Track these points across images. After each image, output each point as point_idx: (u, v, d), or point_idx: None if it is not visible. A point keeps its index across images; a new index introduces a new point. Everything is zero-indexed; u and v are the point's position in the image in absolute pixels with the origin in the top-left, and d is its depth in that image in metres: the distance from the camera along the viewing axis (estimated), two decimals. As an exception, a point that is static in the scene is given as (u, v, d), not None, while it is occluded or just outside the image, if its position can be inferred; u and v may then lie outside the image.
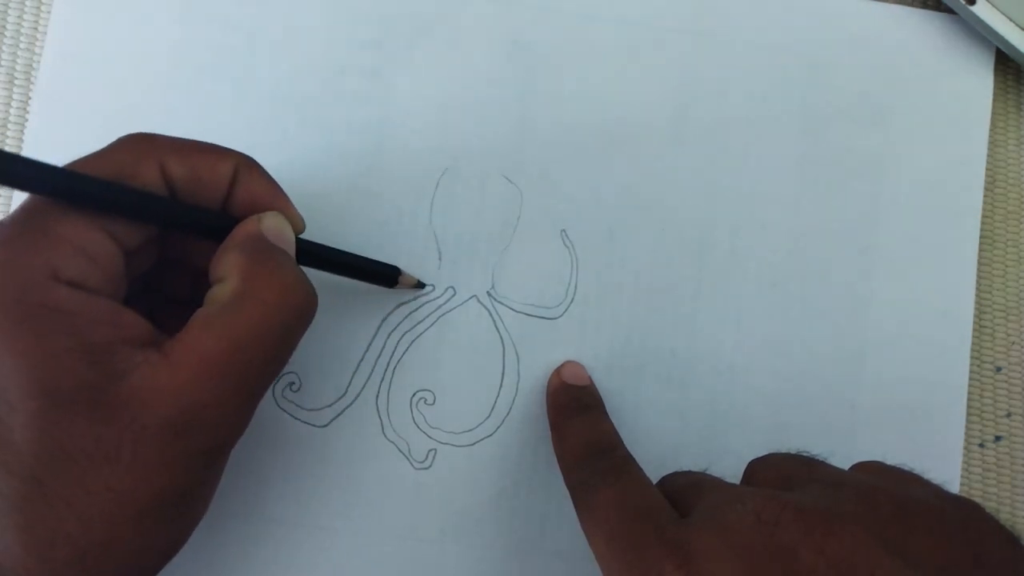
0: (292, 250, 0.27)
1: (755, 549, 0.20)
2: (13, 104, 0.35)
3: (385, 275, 0.32)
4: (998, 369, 0.37)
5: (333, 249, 0.30)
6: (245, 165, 0.27)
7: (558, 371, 0.34)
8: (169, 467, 0.23)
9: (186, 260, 0.29)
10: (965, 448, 0.36)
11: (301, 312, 0.25)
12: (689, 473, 0.27)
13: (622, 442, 0.30)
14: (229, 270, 0.25)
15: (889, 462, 0.25)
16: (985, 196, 0.37)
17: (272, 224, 0.26)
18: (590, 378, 0.34)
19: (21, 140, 0.35)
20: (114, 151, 0.25)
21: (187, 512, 0.25)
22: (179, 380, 0.22)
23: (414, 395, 0.34)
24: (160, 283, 0.29)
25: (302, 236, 0.28)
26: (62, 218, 0.23)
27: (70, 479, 0.21)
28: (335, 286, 0.34)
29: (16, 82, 0.35)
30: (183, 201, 0.26)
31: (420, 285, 0.34)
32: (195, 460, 0.23)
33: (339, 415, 0.34)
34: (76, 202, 0.23)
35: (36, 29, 0.36)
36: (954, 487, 0.35)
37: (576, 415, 0.32)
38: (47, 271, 0.22)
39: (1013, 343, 0.37)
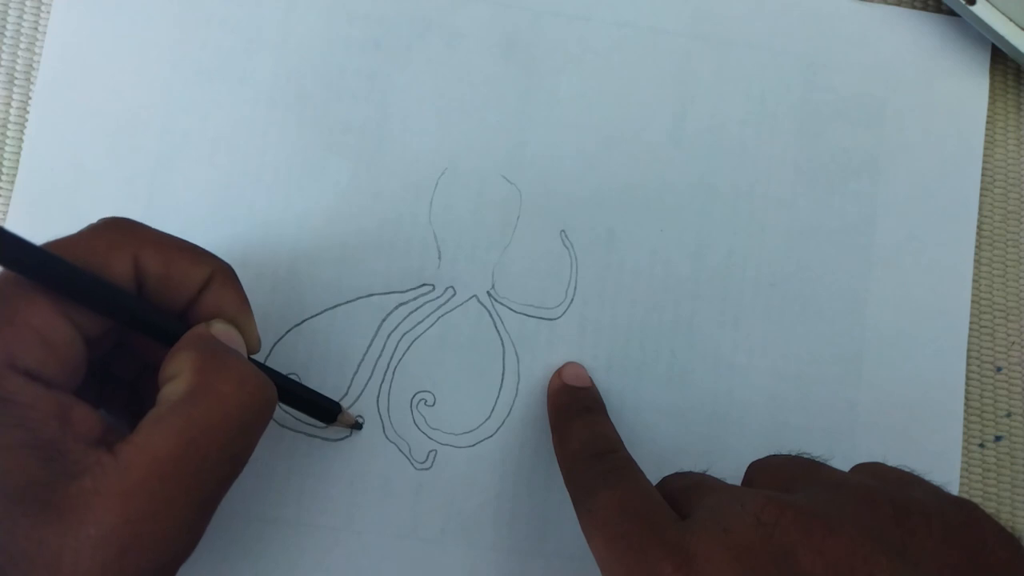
0: (244, 351, 0.26)
1: (755, 551, 0.20)
2: (13, 104, 0.35)
3: (326, 410, 0.31)
4: (998, 369, 0.37)
5: (280, 374, 0.29)
6: (221, 274, 0.26)
7: (559, 372, 0.34)
8: None
9: (139, 349, 0.27)
10: (965, 448, 0.36)
11: (259, 406, 0.24)
12: (689, 474, 0.27)
13: (623, 444, 0.30)
14: (181, 367, 0.23)
15: (888, 462, 0.25)
16: (984, 196, 0.37)
17: (223, 329, 0.25)
18: (591, 379, 0.34)
19: (21, 140, 0.35)
20: (91, 234, 0.24)
21: None
22: (127, 484, 0.21)
23: (414, 396, 0.34)
24: (112, 366, 0.28)
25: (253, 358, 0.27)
26: (27, 301, 0.22)
27: None
28: (335, 286, 0.34)
29: (16, 82, 0.35)
30: (149, 300, 0.25)
31: (358, 426, 0.34)
32: None
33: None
34: (45, 285, 0.22)
35: (36, 29, 0.36)
36: (954, 487, 0.35)
37: (577, 417, 0.31)
38: (4, 358, 0.21)
39: (1013, 343, 0.37)
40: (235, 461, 0.24)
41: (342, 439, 0.34)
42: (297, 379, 0.33)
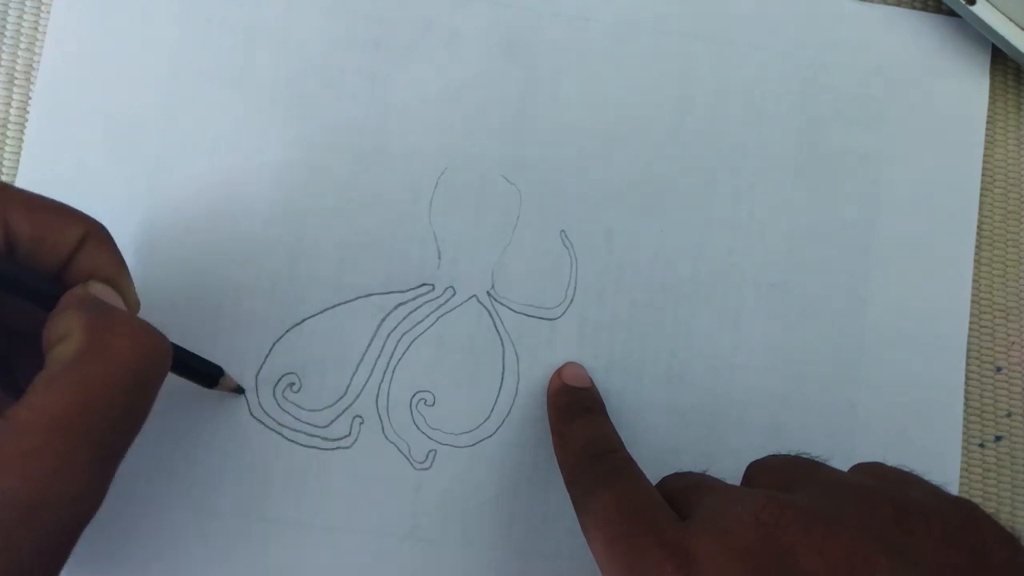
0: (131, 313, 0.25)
1: (755, 551, 0.20)
2: (13, 104, 0.35)
3: (207, 375, 0.31)
4: (998, 369, 0.37)
5: None
6: (95, 234, 0.25)
7: (559, 372, 0.34)
8: (13, 548, 0.20)
9: (5, 320, 0.27)
10: (965, 448, 0.36)
11: (155, 358, 0.23)
12: (689, 474, 0.27)
13: (623, 444, 0.30)
14: (69, 327, 0.22)
15: (888, 462, 0.25)
16: (984, 196, 0.37)
17: (101, 290, 0.25)
18: (591, 380, 0.34)
19: (21, 140, 0.35)
20: None
21: None
22: (26, 445, 0.20)
23: (414, 396, 0.34)
24: None
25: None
26: None
27: None
28: (335, 286, 0.34)
29: (16, 82, 0.35)
30: (18, 261, 0.24)
31: (240, 390, 0.33)
32: (42, 540, 0.21)
33: (339, 416, 0.34)
34: None
35: (36, 29, 0.36)
36: (953, 487, 0.35)
37: (577, 417, 0.31)
38: None
39: (1013, 343, 0.37)
40: (134, 416, 0.23)
41: (342, 440, 0.34)
42: (297, 380, 0.32)
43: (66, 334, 0.22)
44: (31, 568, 0.21)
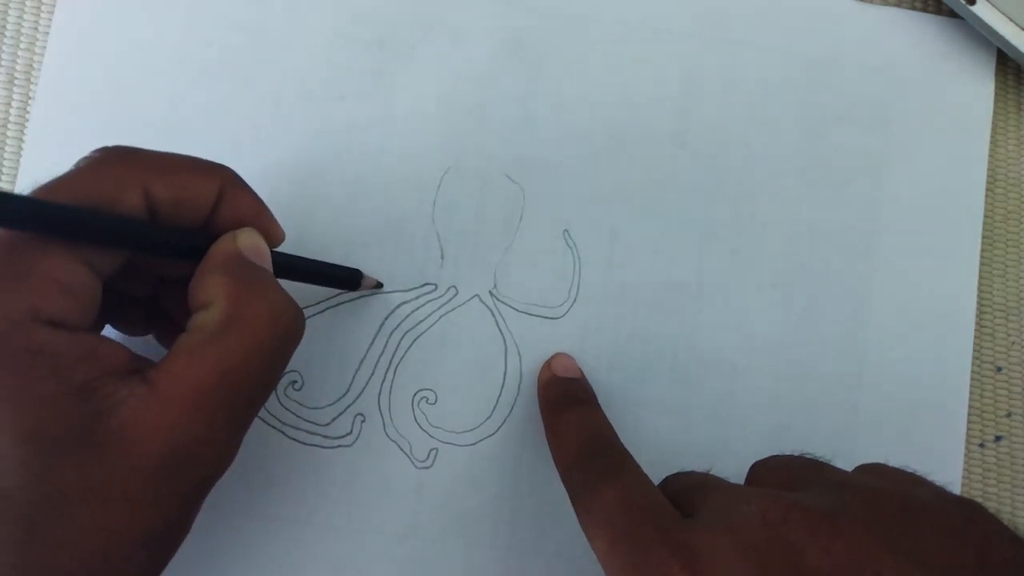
0: (270, 266, 0.27)
1: (761, 549, 0.20)
2: (13, 104, 0.35)
3: (348, 279, 0.33)
4: (998, 369, 0.37)
5: (300, 258, 0.30)
6: (230, 182, 0.26)
7: (548, 364, 0.34)
8: (161, 504, 0.22)
9: (152, 267, 0.28)
10: (965, 448, 0.36)
11: (291, 335, 0.25)
12: (692, 474, 0.27)
13: (617, 436, 0.29)
14: (214, 294, 0.24)
15: (891, 463, 0.25)
16: (985, 196, 0.37)
17: (249, 242, 0.26)
18: (581, 370, 0.34)
19: (21, 140, 0.35)
20: (94, 172, 0.24)
21: (176, 539, 0.24)
22: (171, 416, 0.22)
23: (416, 394, 0.34)
24: (126, 287, 0.28)
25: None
26: (42, 254, 0.22)
27: (63, 520, 0.21)
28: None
29: (16, 82, 0.35)
30: (165, 225, 0.25)
31: (379, 285, 0.34)
32: (187, 495, 0.23)
33: (341, 414, 0.34)
34: (57, 235, 0.22)
35: (36, 29, 0.35)
36: (955, 488, 0.35)
37: (568, 408, 0.31)
38: (28, 312, 0.21)
39: (1013, 343, 0.37)
40: (267, 386, 0.25)
41: (343, 438, 0.34)
42: (299, 377, 0.32)
43: (210, 301, 0.24)
44: (178, 516, 0.23)
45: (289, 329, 0.25)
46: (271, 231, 0.27)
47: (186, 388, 0.22)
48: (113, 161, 0.24)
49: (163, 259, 0.26)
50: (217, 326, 0.23)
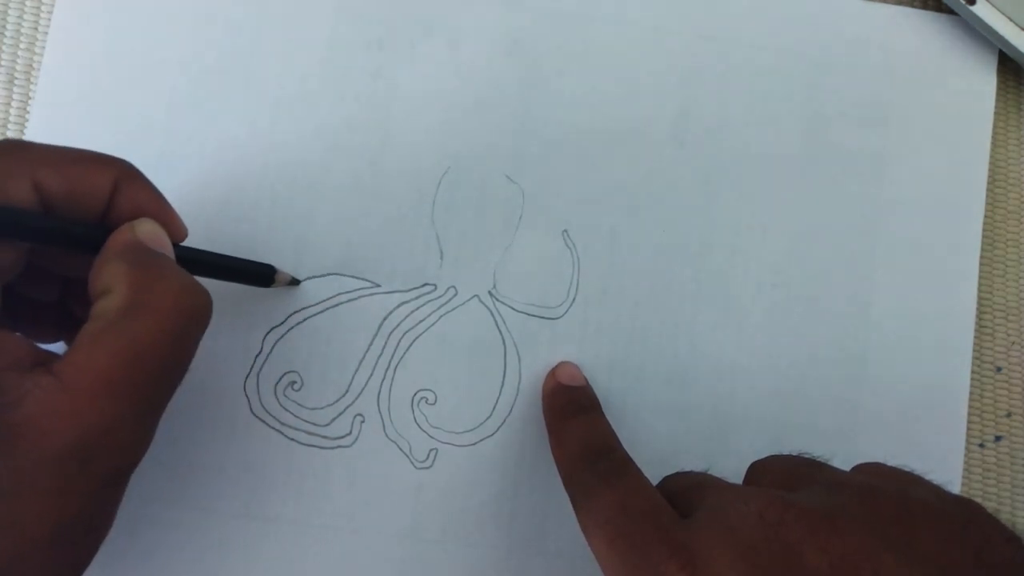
0: (171, 254, 0.26)
1: (759, 549, 0.20)
2: (13, 104, 0.35)
3: (261, 275, 0.32)
4: (998, 369, 0.37)
5: (207, 252, 0.30)
6: (126, 175, 0.26)
7: (553, 372, 0.34)
8: (73, 495, 0.22)
9: (54, 266, 0.27)
10: (965, 448, 0.36)
11: (197, 315, 0.24)
12: (691, 474, 0.27)
13: (620, 443, 0.29)
14: (114, 281, 0.23)
15: (890, 463, 0.25)
16: (986, 195, 0.37)
17: (148, 230, 0.25)
18: (585, 379, 0.34)
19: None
20: None
21: (93, 534, 0.24)
22: (78, 404, 0.21)
23: (415, 394, 0.34)
24: (25, 289, 0.28)
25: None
26: None
27: None
28: (337, 285, 0.34)
29: (16, 82, 0.35)
30: (58, 216, 0.25)
31: (295, 281, 0.34)
32: (99, 486, 0.22)
33: (340, 414, 0.34)
34: None
35: (36, 29, 0.35)
36: (955, 487, 0.35)
37: (572, 416, 0.31)
38: None
39: (1013, 343, 0.37)
40: (177, 369, 0.24)
41: (342, 439, 0.34)
42: (298, 378, 0.32)
43: (110, 288, 0.23)
44: (91, 511, 0.23)
45: (195, 311, 0.24)
46: (172, 225, 0.27)
47: (91, 376, 0.21)
48: (2, 153, 0.24)
49: (60, 251, 0.26)
50: (118, 312, 0.22)
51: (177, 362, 0.24)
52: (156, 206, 0.27)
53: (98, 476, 0.22)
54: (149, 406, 0.23)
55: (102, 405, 0.21)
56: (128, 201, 0.26)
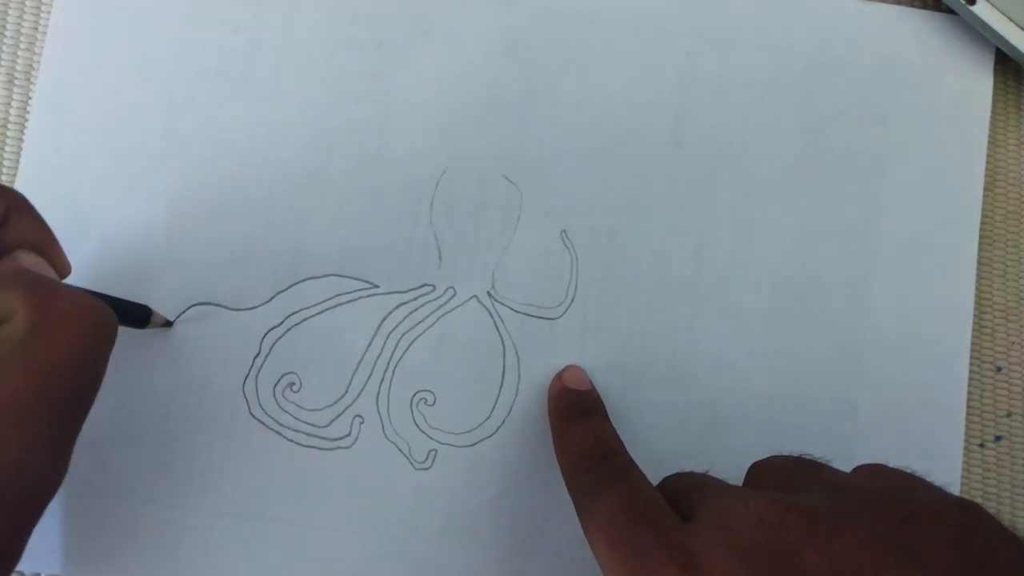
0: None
1: (759, 551, 0.20)
2: (13, 104, 0.35)
3: (135, 315, 0.31)
4: (998, 369, 0.37)
5: (85, 290, 0.29)
6: (17, 207, 0.25)
7: (559, 376, 0.34)
8: None
9: None
10: (965, 448, 0.36)
11: (102, 330, 0.23)
12: (691, 475, 0.27)
13: (624, 447, 0.30)
14: (11, 307, 0.22)
15: (890, 463, 0.25)
16: (985, 196, 0.37)
17: (33, 261, 0.25)
18: (591, 382, 0.34)
19: (21, 140, 0.35)
20: None
21: (4, 567, 0.22)
22: None
23: (414, 395, 0.34)
24: None
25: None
26: None
27: None
28: (336, 286, 0.34)
29: (16, 82, 0.35)
30: None
31: (168, 324, 0.33)
32: (15, 521, 0.21)
33: (339, 415, 0.34)
34: None
35: (36, 29, 0.35)
36: (955, 488, 0.35)
37: (577, 420, 0.31)
38: None
39: (1013, 343, 0.37)
40: (88, 389, 0.23)
41: (342, 440, 0.34)
42: (297, 379, 0.32)
43: (8, 314, 0.22)
44: (4, 537, 0.21)
45: (100, 326, 0.23)
46: (56, 260, 0.26)
47: (0, 407, 0.20)
48: None
49: None
50: (22, 335, 0.21)
51: (87, 381, 0.23)
52: (41, 238, 0.26)
53: (11, 505, 0.21)
54: (60, 431, 0.22)
55: (11, 436, 0.20)
56: (15, 233, 0.25)
